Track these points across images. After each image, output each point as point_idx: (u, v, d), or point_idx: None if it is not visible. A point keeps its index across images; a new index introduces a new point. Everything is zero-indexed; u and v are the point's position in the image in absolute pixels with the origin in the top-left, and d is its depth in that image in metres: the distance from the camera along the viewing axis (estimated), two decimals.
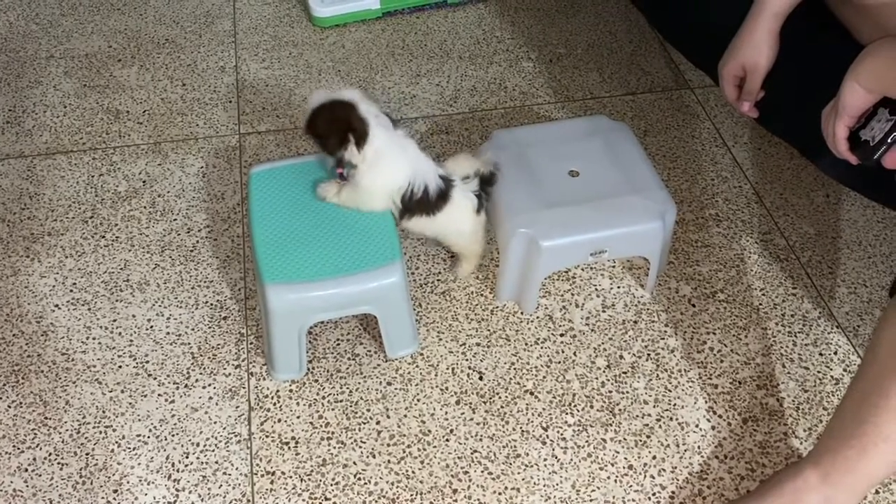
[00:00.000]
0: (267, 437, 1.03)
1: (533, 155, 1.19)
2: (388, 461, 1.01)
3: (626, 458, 1.01)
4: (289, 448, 1.02)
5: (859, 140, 0.89)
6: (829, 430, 0.91)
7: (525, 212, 1.11)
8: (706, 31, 1.45)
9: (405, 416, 1.05)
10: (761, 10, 1.08)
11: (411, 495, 0.98)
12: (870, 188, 1.21)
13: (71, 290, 1.19)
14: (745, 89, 1.13)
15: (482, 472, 1.00)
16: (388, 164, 1.04)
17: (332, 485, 0.99)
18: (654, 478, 1.00)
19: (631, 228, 1.12)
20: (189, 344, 1.13)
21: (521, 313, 1.17)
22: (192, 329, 1.15)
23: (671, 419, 1.05)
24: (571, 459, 1.01)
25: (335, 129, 1.01)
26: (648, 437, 1.03)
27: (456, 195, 1.08)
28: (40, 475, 0.99)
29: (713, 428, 1.05)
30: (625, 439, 1.03)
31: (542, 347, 1.13)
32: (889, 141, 0.85)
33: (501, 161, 1.18)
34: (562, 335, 1.14)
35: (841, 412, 0.89)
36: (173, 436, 1.03)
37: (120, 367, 1.10)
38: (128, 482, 0.99)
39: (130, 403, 1.06)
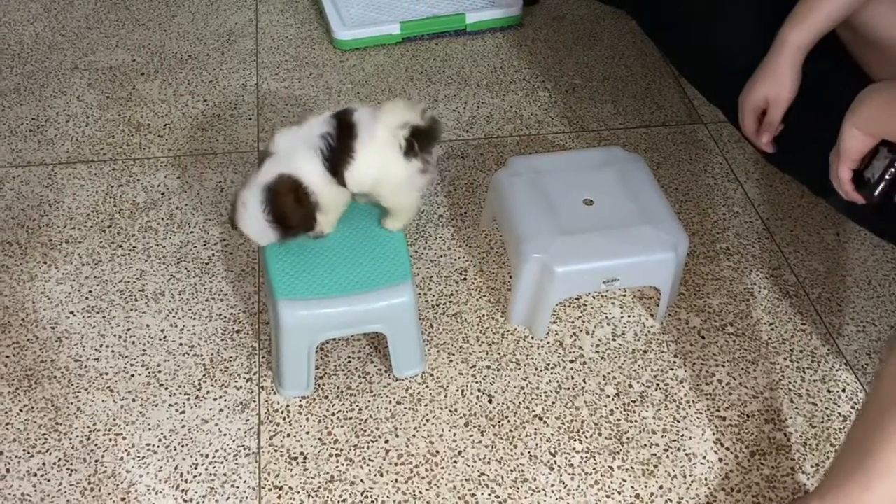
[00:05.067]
0: (276, 451, 1.04)
1: (548, 182, 1.20)
2: (396, 480, 1.01)
3: (633, 487, 1.02)
4: (297, 463, 1.02)
5: (863, 179, 0.90)
6: (833, 465, 0.91)
7: (539, 237, 1.12)
8: (720, 67, 1.48)
9: (414, 435, 1.06)
10: (785, 42, 1.10)
11: None
12: (880, 226, 1.22)
13: (86, 298, 1.20)
14: (766, 121, 1.15)
15: (489, 495, 1.00)
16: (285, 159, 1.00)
17: (339, 502, 0.99)
18: None
19: (644, 258, 1.13)
20: (201, 355, 1.14)
21: (532, 338, 1.18)
22: (205, 341, 1.16)
23: (679, 450, 1.06)
24: (579, 486, 1.01)
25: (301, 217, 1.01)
26: (656, 466, 1.04)
27: (367, 126, 1.00)
28: (49, 480, 1.00)
29: (720, 460, 1.05)
30: (632, 468, 1.03)
31: (551, 373, 1.13)
32: (887, 177, 0.86)
33: (517, 187, 1.20)
34: (571, 362, 1.15)
35: (845, 447, 0.90)
36: (183, 446, 1.04)
37: (132, 375, 1.11)
38: (136, 491, 0.99)
39: (141, 412, 1.07)
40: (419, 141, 1.02)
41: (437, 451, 1.04)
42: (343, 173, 1.02)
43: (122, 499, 0.99)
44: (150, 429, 1.05)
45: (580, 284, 1.16)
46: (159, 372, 1.12)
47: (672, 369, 1.14)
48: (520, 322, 1.19)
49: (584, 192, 1.19)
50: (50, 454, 1.02)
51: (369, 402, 1.09)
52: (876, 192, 0.89)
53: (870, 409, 0.88)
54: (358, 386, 1.11)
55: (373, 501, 0.99)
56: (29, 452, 1.02)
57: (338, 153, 1.00)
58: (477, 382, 1.12)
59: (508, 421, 1.08)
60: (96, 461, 1.02)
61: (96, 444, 1.03)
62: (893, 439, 0.84)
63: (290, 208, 1.01)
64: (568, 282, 1.12)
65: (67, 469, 1.01)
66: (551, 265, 1.10)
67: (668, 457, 1.05)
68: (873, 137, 0.89)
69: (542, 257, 1.10)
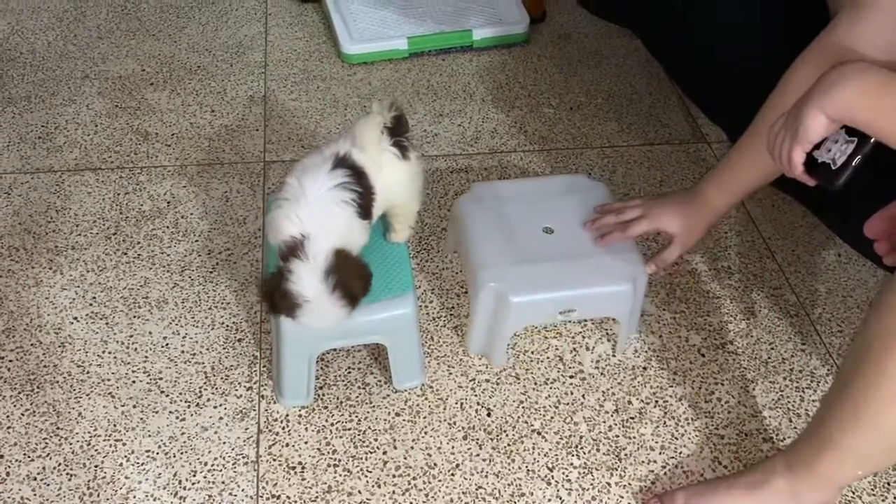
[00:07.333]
0: (274, 460, 1.04)
1: (509, 209, 1.18)
2: (393, 492, 1.01)
3: None
4: (295, 473, 1.03)
5: (816, 162, 0.86)
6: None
7: (496, 266, 1.10)
8: (723, 86, 1.49)
9: (412, 447, 1.06)
10: (707, 201, 1.13)
11: None
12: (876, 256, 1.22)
13: (90, 304, 1.21)
14: (661, 257, 1.16)
15: None
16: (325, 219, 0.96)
17: None
18: None
19: (601, 289, 1.11)
20: (203, 363, 1.14)
21: (532, 353, 1.18)
22: (207, 349, 1.16)
23: (676, 467, 1.06)
24: (576, 501, 1.01)
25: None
26: (653, 483, 1.04)
27: (371, 161, 1.00)
28: (48, 484, 1.00)
29: (718, 479, 1.05)
30: (630, 484, 1.03)
31: (551, 388, 1.14)
32: (853, 164, 0.83)
33: (478, 214, 1.17)
34: (571, 377, 1.15)
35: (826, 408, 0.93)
36: (182, 453, 1.04)
37: (133, 382, 1.12)
38: (134, 497, 1.00)
39: (142, 419, 1.08)
40: (399, 133, 1.02)
41: (435, 464, 1.04)
42: (372, 211, 1.02)
43: None
44: (149, 435, 1.06)
45: (536, 314, 1.13)
46: (160, 379, 1.12)
47: (671, 386, 1.15)
48: (477, 351, 1.17)
49: (545, 220, 1.17)
50: (50, 458, 1.03)
51: (368, 413, 1.10)
52: (841, 180, 0.84)
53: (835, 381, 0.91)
54: (357, 397, 1.11)
55: None
56: (29, 456, 1.03)
57: (365, 196, 0.99)
58: (476, 396, 1.12)
59: (507, 435, 1.08)
60: (96, 466, 1.02)
61: (96, 450, 1.04)
62: (845, 420, 0.88)
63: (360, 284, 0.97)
64: (523, 311, 1.09)
65: (67, 474, 1.01)
66: (507, 294, 1.08)
67: (665, 474, 1.05)
68: (838, 123, 0.83)
69: (497, 286, 1.08)
